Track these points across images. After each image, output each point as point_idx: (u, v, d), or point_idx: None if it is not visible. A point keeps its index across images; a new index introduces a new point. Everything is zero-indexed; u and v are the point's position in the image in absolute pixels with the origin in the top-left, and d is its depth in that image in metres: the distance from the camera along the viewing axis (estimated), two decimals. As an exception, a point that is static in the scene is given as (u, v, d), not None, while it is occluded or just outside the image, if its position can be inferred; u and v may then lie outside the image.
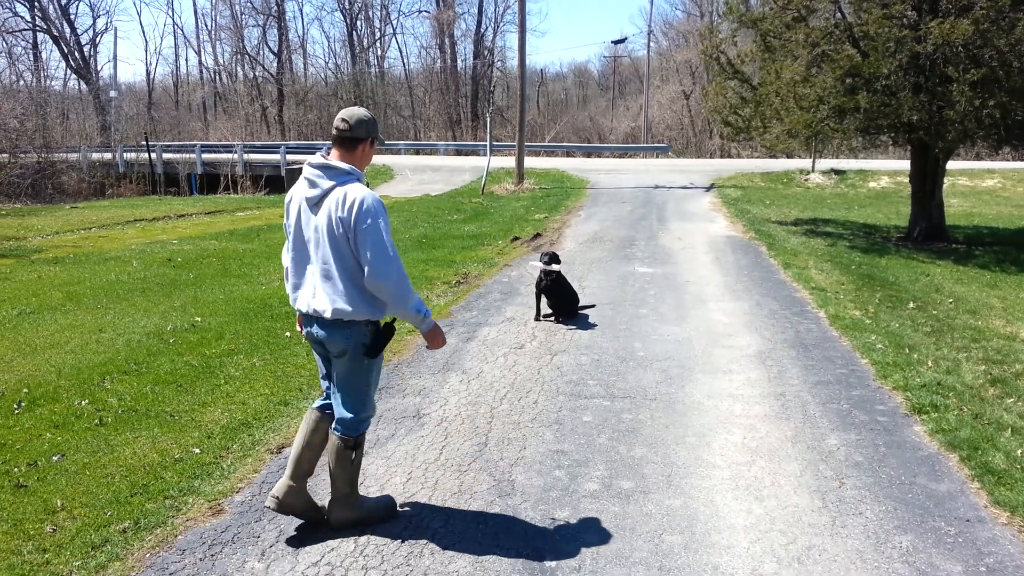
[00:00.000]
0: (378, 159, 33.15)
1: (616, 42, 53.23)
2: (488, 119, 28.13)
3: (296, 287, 3.36)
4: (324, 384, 3.58)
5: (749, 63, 13.30)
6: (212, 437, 4.58)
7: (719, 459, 4.13)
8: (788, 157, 27.44)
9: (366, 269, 3.10)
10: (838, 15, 11.75)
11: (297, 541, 3.40)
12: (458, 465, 4.12)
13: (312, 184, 3.20)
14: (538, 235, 12.89)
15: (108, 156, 32.78)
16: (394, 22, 69.25)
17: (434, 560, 3.20)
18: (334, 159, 3.21)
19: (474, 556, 3.22)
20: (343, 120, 3.23)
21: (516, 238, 12.54)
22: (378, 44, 57.54)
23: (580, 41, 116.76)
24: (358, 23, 56.04)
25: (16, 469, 4.18)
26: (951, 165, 15.10)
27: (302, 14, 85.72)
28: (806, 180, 23.37)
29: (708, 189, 20.82)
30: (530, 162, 27.79)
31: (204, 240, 13.40)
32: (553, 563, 3.14)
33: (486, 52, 54.18)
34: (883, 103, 10.69)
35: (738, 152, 36.42)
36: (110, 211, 20.55)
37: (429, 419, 4.78)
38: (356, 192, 3.13)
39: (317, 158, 3.22)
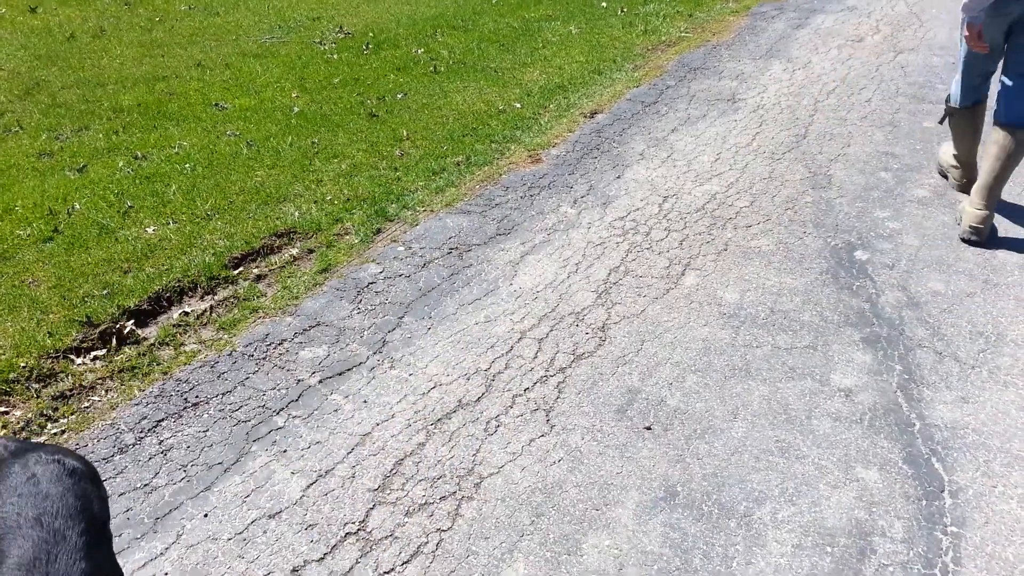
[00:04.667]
0: None
1: None
2: None
3: None
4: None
5: None
6: (531, 95, 4.81)
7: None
8: None
9: None
10: None
11: (603, 196, 3.60)
12: (771, 153, 3.96)
13: None
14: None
15: None
16: None
17: (736, 234, 3.24)
18: None
19: (778, 238, 3.20)
20: None
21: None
22: None
23: None
24: None
25: (368, 101, 4.78)
26: None
27: None
28: None
29: None
30: None
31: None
32: (864, 256, 3.04)
33: None
34: None
35: None
36: None
37: (745, 104, 4.56)
38: None
39: None
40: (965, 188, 3.36)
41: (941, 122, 3.45)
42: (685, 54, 5.42)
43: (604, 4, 6.71)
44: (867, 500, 1.99)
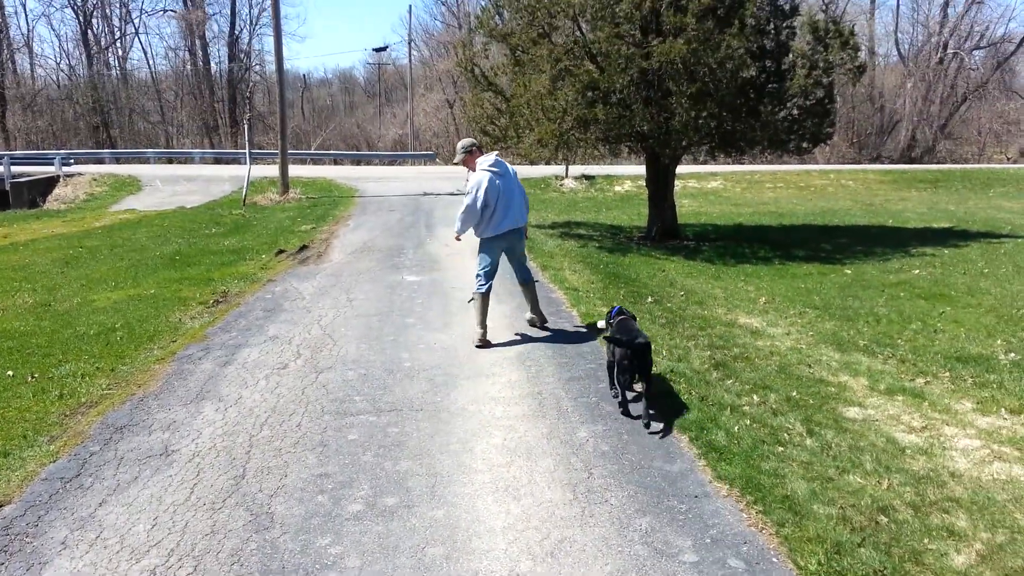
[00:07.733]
0: (122, 169, 30.38)
1: (378, 50, 53.07)
2: (246, 125, 26.70)
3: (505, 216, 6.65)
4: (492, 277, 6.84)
5: (502, 75, 13.88)
6: (-97, 507, 3.88)
7: (480, 463, 4.26)
8: (547, 164, 29.02)
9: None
10: (577, 33, 12.63)
11: (15, 616, 2.99)
12: (211, 503, 3.86)
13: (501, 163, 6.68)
14: (304, 247, 12.48)
15: None
16: (136, 21, 63.45)
17: (182, 612, 2.97)
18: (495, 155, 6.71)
19: (228, 600, 3.03)
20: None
21: (281, 251, 12.03)
22: (118, 44, 52.42)
23: (343, 47, 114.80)
24: (93, 21, 50.60)
25: None
26: (682, 169, 16.88)
27: (25, 10, 75.67)
28: (561, 185, 24.92)
29: (474, 195, 21.41)
30: (296, 171, 26.82)
31: None
32: (313, 594, 3.06)
33: (242, 55, 51.50)
34: (619, 115, 11.68)
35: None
36: None
37: (179, 456, 4.43)
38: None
39: (493, 156, 6.72)
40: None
41: (470, 301, 6.92)
42: (109, 413, 5.12)
43: (11, 373, 6.05)
44: None
